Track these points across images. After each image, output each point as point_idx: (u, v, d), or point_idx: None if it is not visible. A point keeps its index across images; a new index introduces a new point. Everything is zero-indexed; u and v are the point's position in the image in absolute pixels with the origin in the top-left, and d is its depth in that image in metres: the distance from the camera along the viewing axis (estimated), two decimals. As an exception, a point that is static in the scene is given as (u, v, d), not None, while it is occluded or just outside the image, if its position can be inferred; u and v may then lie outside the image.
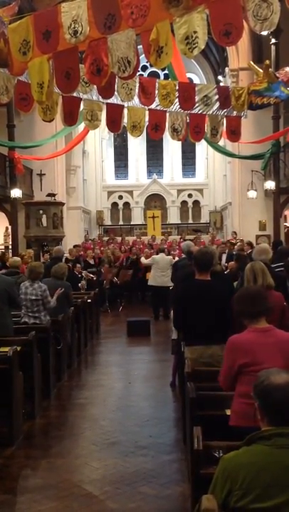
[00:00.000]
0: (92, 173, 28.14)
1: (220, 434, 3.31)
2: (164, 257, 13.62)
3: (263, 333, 3.38)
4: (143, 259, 14.94)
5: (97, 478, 4.67)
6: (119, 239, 20.93)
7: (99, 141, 28.19)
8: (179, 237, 21.53)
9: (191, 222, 28.28)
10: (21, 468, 5.00)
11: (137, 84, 9.44)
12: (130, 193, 28.99)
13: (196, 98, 10.46)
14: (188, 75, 21.69)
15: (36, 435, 5.98)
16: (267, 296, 3.56)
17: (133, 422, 6.13)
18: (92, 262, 16.17)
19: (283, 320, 4.67)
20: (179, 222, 28.23)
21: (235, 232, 20.23)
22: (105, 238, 22.42)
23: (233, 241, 18.23)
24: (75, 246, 17.33)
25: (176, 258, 13.95)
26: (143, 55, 6.85)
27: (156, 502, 4.21)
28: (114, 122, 10.32)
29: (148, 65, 26.04)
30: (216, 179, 27.88)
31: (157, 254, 14.23)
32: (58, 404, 7.08)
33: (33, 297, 7.29)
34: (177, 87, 10.23)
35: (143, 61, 19.22)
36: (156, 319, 13.42)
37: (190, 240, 15.55)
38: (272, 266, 7.47)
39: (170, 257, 14.19)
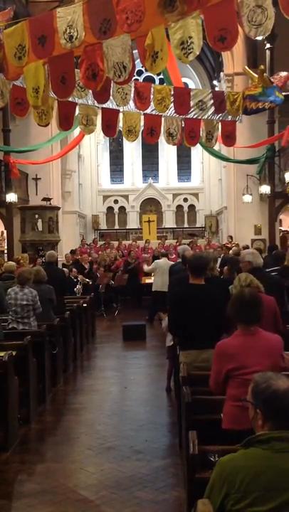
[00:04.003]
0: (88, 177, 28.11)
1: (215, 439, 3.31)
2: (166, 261, 13.59)
3: (250, 337, 3.43)
4: (145, 267, 14.73)
5: (92, 483, 4.66)
6: (115, 243, 20.94)
7: (94, 145, 28.17)
8: (175, 241, 21.56)
9: (187, 226, 28.27)
10: (17, 474, 4.98)
11: (133, 89, 9.46)
12: (126, 197, 28.95)
13: (191, 103, 10.50)
14: (184, 79, 21.68)
15: (32, 440, 5.96)
16: (259, 304, 3.58)
17: (129, 426, 6.12)
18: (86, 266, 16.13)
19: (277, 325, 4.68)
20: (175, 226, 28.22)
21: (230, 237, 20.26)
22: (101, 242, 22.42)
23: (229, 245, 18.27)
24: (71, 251, 17.34)
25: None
26: (138, 60, 6.87)
27: (152, 507, 4.20)
28: (109, 127, 10.33)
29: (143, 69, 26.09)
30: (211, 183, 27.89)
31: (158, 258, 14.24)
32: (54, 409, 7.07)
33: (24, 302, 7.25)
34: (172, 92, 10.26)
35: (138, 66, 19.28)
36: (150, 322, 13.40)
37: (186, 244, 15.56)
38: (268, 270, 7.50)
39: (172, 262, 14.15)
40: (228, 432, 3.25)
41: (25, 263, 14.08)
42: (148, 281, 14.92)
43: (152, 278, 14.09)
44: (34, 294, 7.33)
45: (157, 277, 13.36)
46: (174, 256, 16.49)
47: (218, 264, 14.02)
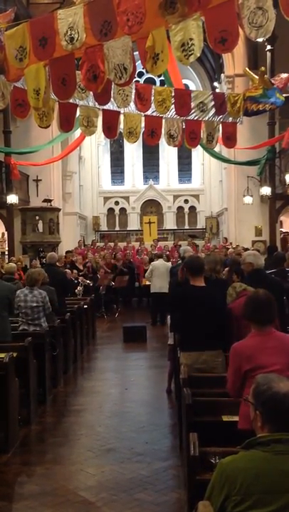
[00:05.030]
0: (89, 178, 28.16)
1: (216, 440, 3.31)
2: (162, 263, 13.60)
3: (265, 337, 3.42)
4: (147, 275, 14.30)
5: (93, 484, 4.66)
6: (112, 245, 20.95)
7: (95, 146, 28.21)
8: (172, 242, 21.58)
9: (187, 227, 28.30)
10: (17, 475, 4.98)
11: (133, 91, 9.45)
12: (126, 198, 28.99)
13: (192, 104, 10.48)
14: (184, 81, 21.72)
15: (32, 441, 5.96)
16: (274, 304, 3.59)
17: (129, 428, 6.12)
18: (81, 267, 16.06)
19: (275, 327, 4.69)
20: (175, 227, 28.25)
21: (226, 238, 20.30)
22: (100, 244, 22.42)
23: (229, 246, 18.31)
24: (67, 252, 17.32)
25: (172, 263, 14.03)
26: (139, 61, 6.88)
27: (152, 508, 4.20)
28: (110, 128, 10.32)
29: (144, 71, 26.11)
30: (211, 185, 27.92)
31: (153, 260, 14.23)
32: (54, 410, 7.07)
33: (34, 304, 7.26)
34: (173, 94, 10.25)
35: (139, 67, 19.25)
36: (153, 324, 13.41)
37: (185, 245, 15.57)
38: (269, 272, 7.50)
39: (169, 263, 14.17)
40: (244, 432, 3.22)
41: (22, 265, 14.11)
42: (148, 282, 14.89)
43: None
44: (44, 295, 7.34)
45: (155, 279, 13.35)
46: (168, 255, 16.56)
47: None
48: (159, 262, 13.57)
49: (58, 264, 14.08)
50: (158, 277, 13.24)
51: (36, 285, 7.41)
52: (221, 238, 23.90)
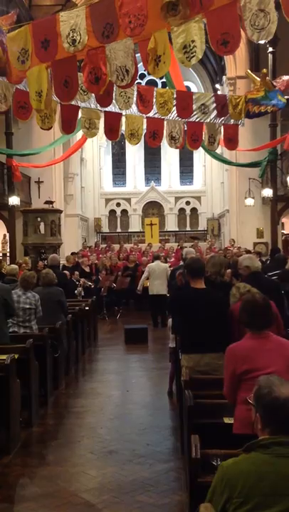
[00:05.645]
0: (90, 180, 28.18)
1: (218, 442, 3.30)
2: (159, 264, 13.55)
3: (261, 340, 3.40)
4: (143, 279, 14.14)
5: (94, 486, 4.65)
6: (117, 246, 20.94)
7: (97, 148, 28.25)
8: (177, 244, 21.58)
9: (189, 229, 28.32)
10: (18, 477, 4.97)
11: (135, 93, 9.48)
12: (128, 200, 29.03)
13: (194, 106, 10.52)
14: (186, 83, 21.81)
15: (33, 443, 5.95)
16: (271, 308, 3.57)
17: (130, 430, 6.11)
18: (87, 269, 16.08)
19: (278, 330, 4.68)
20: (177, 229, 28.28)
21: (233, 240, 20.28)
22: (103, 246, 22.44)
23: (230, 248, 18.29)
24: (72, 253, 17.33)
25: (170, 265, 13.98)
26: (141, 63, 6.90)
27: (153, 511, 4.19)
28: (112, 130, 10.35)
29: (146, 73, 26.14)
30: (213, 187, 27.94)
31: (152, 261, 14.18)
32: (56, 412, 7.06)
33: (27, 306, 7.21)
34: (175, 96, 10.28)
35: (141, 69, 19.33)
36: (154, 327, 13.40)
37: (188, 247, 15.52)
38: (270, 274, 7.50)
39: (166, 264, 14.15)
40: (239, 436, 3.21)
41: (27, 267, 14.10)
42: (147, 284, 14.86)
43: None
44: (37, 298, 7.30)
45: (152, 281, 13.32)
46: (173, 259, 16.53)
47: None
48: (155, 264, 13.51)
49: (66, 264, 14.14)
50: (155, 279, 13.22)
51: (30, 287, 7.38)
52: (224, 240, 23.89)
